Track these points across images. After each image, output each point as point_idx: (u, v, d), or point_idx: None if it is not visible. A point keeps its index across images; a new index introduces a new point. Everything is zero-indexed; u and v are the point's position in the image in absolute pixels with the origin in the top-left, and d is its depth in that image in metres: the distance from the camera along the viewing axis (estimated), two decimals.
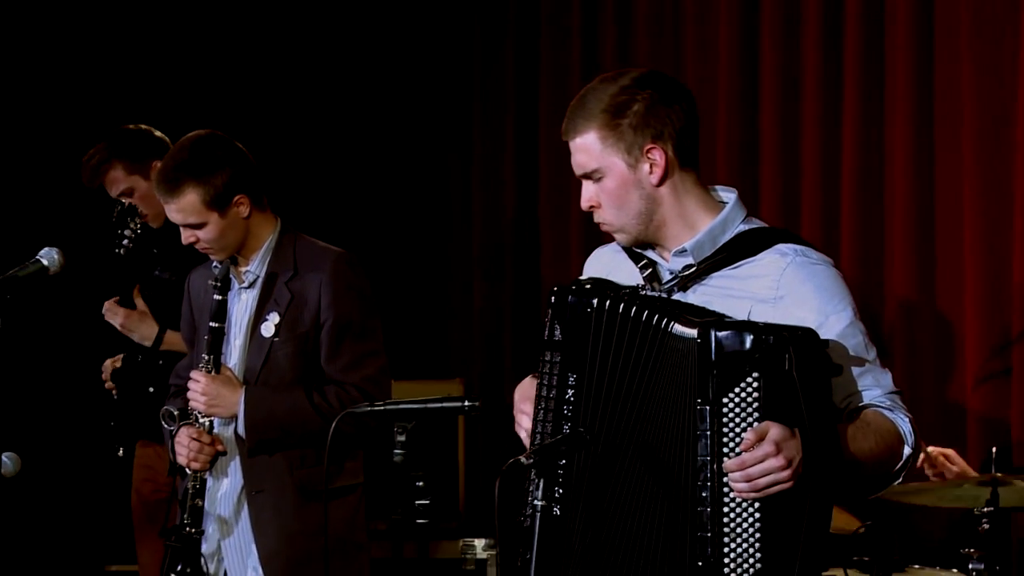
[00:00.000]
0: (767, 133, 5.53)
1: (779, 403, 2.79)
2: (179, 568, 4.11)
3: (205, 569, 4.16)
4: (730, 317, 2.91)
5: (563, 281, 3.13)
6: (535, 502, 2.89)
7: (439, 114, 7.03)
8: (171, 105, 6.55)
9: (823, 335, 2.91)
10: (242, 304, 4.24)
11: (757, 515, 2.82)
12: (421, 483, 4.80)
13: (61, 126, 6.46)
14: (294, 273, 4.18)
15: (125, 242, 4.97)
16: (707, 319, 2.87)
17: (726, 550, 2.83)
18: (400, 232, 6.96)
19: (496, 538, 5.11)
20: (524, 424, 3.09)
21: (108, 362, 5.09)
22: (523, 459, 2.86)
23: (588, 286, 3.04)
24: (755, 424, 2.79)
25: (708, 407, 2.81)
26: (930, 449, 4.51)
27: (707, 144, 5.74)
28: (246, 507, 4.18)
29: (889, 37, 5.17)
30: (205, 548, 4.17)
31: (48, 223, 6.26)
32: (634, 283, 3.09)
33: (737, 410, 2.81)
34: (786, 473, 2.77)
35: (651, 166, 3.01)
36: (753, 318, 2.92)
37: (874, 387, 3.00)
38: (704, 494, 2.83)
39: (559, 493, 2.97)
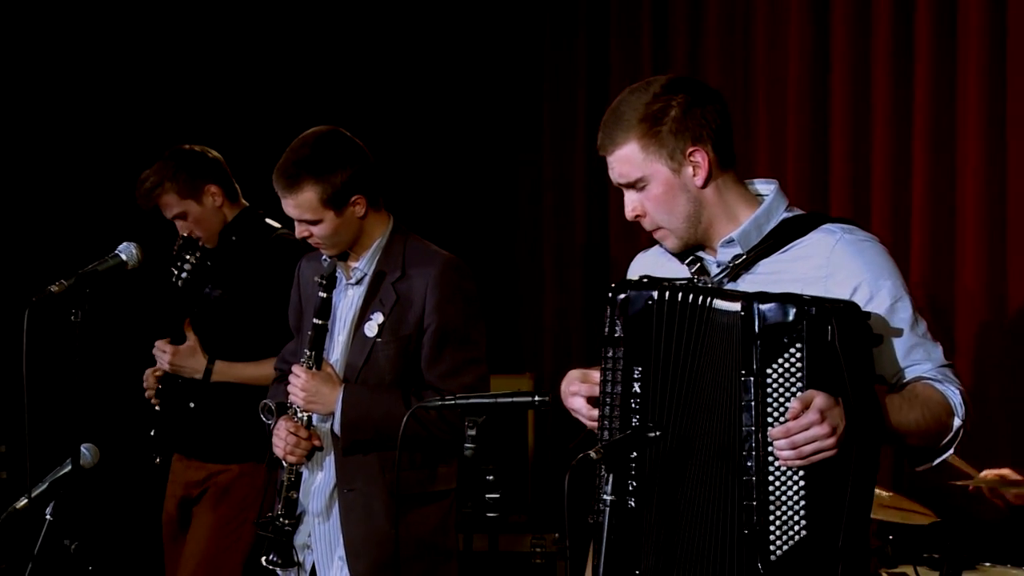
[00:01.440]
0: (837, 131, 5.51)
1: (822, 373, 2.83)
2: (271, 557, 4.16)
3: (296, 559, 4.20)
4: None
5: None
6: (604, 496, 2.92)
7: (510, 112, 7.05)
8: (250, 108, 6.63)
9: (873, 309, 2.95)
10: (348, 300, 4.23)
11: (801, 483, 2.85)
12: (491, 477, 4.84)
13: (138, 137, 6.53)
14: (402, 274, 4.15)
15: (184, 274, 4.95)
16: (750, 293, 2.91)
17: (771, 518, 2.87)
18: (471, 227, 6.98)
19: (565, 532, 5.14)
20: (576, 405, 3.14)
21: (149, 371, 5.09)
22: (592, 454, 2.88)
23: (646, 280, 3.07)
24: (799, 394, 2.83)
25: (752, 378, 2.86)
26: (984, 474, 4.42)
27: (777, 143, 5.75)
28: (337, 502, 4.18)
29: (961, 34, 5.14)
30: (296, 539, 4.20)
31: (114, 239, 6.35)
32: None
33: (781, 380, 2.85)
34: (831, 441, 2.81)
35: (694, 168, 3.04)
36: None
37: (924, 361, 3.02)
38: (749, 463, 2.87)
39: (632, 486, 3.01)
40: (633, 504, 3.01)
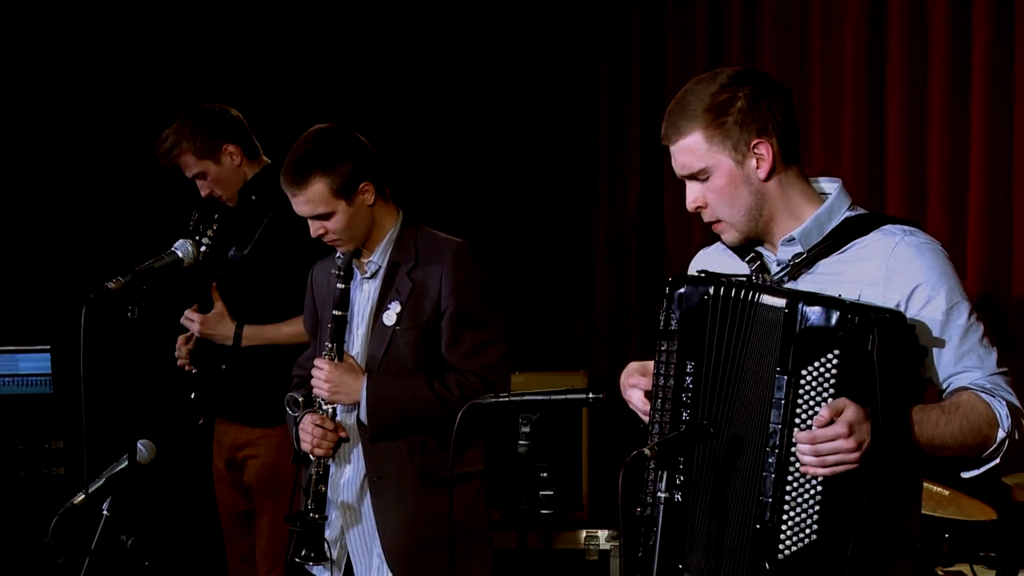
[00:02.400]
0: (893, 129, 5.48)
1: (856, 383, 2.82)
2: (303, 553, 4.18)
3: (328, 554, 4.22)
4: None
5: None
6: (659, 494, 2.92)
7: (565, 107, 7.05)
8: (292, 101, 6.65)
9: (928, 313, 2.94)
10: (364, 294, 4.28)
11: (819, 488, 2.85)
12: (545, 474, 4.84)
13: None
14: (416, 263, 4.22)
15: (203, 248, 4.97)
16: (798, 292, 2.90)
17: (784, 517, 2.88)
18: (526, 225, 6.99)
19: (619, 529, 5.13)
20: (634, 398, 3.15)
21: (180, 339, 5.13)
22: (646, 451, 2.88)
23: (703, 276, 3.07)
24: (829, 400, 2.82)
25: (786, 376, 2.85)
26: None
27: (832, 140, 5.72)
28: (368, 494, 4.22)
29: (1019, 30, 5.11)
30: (328, 533, 4.23)
31: (132, 219, 6.40)
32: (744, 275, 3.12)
33: (814, 383, 2.84)
34: (854, 456, 2.80)
35: (758, 161, 3.03)
36: (863, 300, 2.93)
37: (975, 368, 2.99)
38: (770, 460, 2.88)
39: (679, 481, 3.02)
40: (680, 499, 3.02)
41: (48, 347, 5.97)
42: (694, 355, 3.01)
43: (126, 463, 3.87)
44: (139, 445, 3.94)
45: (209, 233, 5.07)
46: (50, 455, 5.89)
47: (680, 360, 3.03)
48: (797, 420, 2.85)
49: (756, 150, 3.02)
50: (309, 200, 4.14)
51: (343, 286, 4.18)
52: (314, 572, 4.32)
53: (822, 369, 2.83)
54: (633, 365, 3.20)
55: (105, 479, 3.92)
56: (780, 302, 2.89)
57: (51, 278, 6.51)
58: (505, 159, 7.05)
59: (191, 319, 5.04)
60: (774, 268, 3.09)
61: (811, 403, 2.84)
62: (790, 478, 2.87)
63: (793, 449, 2.85)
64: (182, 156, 5.06)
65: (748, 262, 3.12)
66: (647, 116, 6.74)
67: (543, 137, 7.08)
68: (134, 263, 3.84)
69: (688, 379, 3.02)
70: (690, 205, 3.12)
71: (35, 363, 5.97)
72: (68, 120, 6.66)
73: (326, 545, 4.22)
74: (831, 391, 2.83)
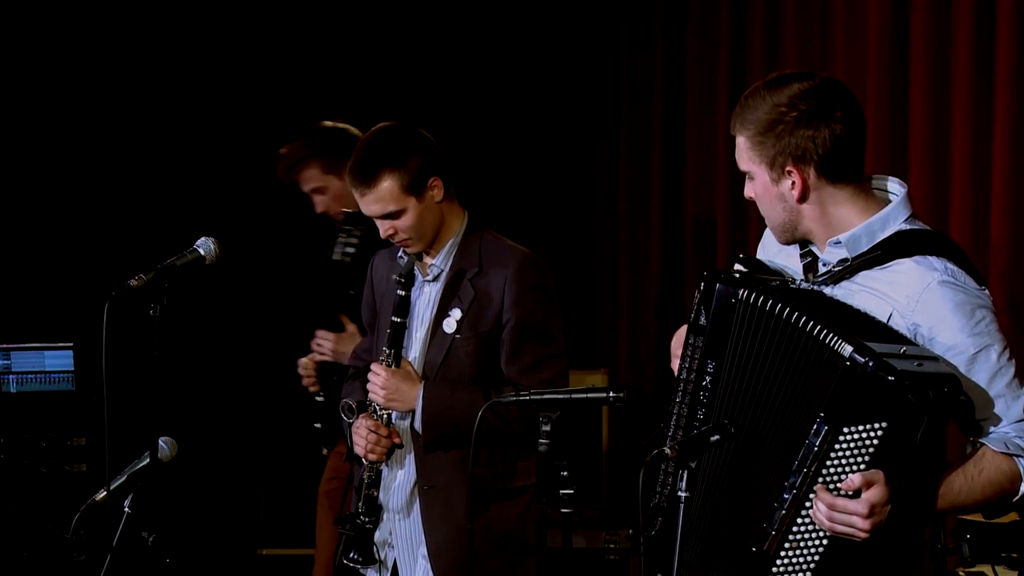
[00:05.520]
0: (916, 131, 5.47)
1: (893, 458, 2.80)
2: (352, 555, 4.17)
3: (377, 556, 4.21)
4: (886, 338, 2.87)
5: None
6: (680, 493, 2.92)
7: (587, 107, 7.06)
8: (314, 100, 6.67)
9: (951, 358, 2.90)
10: (425, 297, 4.21)
11: (824, 541, 2.88)
12: (565, 473, 4.83)
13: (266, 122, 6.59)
14: (479, 270, 4.14)
15: (349, 248, 4.93)
16: (865, 342, 2.83)
17: (782, 552, 2.90)
18: (547, 224, 7.00)
19: (639, 528, 5.13)
20: (676, 368, 3.13)
21: (306, 360, 5.07)
22: (667, 451, 2.89)
23: (737, 276, 3.05)
24: (862, 464, 2.81)
25: (827, 425, 2.83)
26: None
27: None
28: (418, 500, 4.17)
29: None
30: (377, 536, 4.20)
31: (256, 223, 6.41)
32: (794, 267, 3.12)
33: (852, 445, 2.82)
34: (864, 534, 2.82)
35: (792, 184, 3.02)
36: (892, 324, 2.93)
37: (1002, 414, 2.96)
38: (786, 496, 2.87)
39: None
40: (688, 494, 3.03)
41: (71, 344, 5.99)
42: (716, 355, 3.01)
43: (148, 460, 3.88)
44: (161, 442, 3.95)
45: (355, 234, 4.96)
46: (72, 452, 5.91)
47: (704, 357, 3.02)
48: (824, 470, 2.84)
49: (789, 175, 3.01)
50: (379, 198, 4.05)
51: (403, 293, 4.08)
52: (362, 573, 4.31)
53: (865, 436, 2.81)
54: (684, 331, 3.16)
55: (127, 476, 3.93)
56: (846, 349, 2.83)
57: (74, 276, 6.54)
58: (528, 159, 7.06)
59: (325, 339, 4.98)
60: (821, 269, 3.08)
61: (843, 462, 2.83)
62: (799, 520, 2.87)
63: (812, 495, 2.85)
64: (307, 169, 5.06)
65: (802, 256, 3.12)
66: (669, 116, 6.74)
67: (565, 137, 7.09)
68: (156, 261, 3.85)
69: (707, 378, 3.02)
70: (745, 195, 3.13)
71: (58, 360, 6.00)
72: (93, 119, 6.69)
73: (375, 548, 4.20)
74: (866, 459, 2.81)
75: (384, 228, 4.11)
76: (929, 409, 2.77)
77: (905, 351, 2.83)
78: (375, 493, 4.15)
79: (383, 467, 4.19)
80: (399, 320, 4.09)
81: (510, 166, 7.05)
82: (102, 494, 3.91)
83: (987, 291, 3.00)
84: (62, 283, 6.56)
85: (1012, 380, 2.96)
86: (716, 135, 6.40)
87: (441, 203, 4.13)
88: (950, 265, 2.98)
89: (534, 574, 4.26)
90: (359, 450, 4.13)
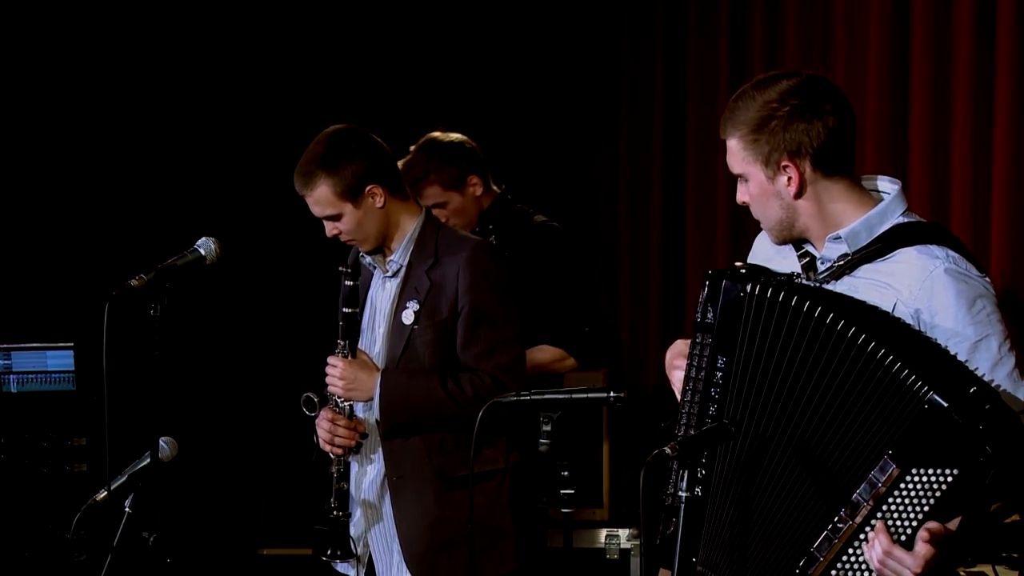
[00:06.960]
0: (916, 131, 5.46)
1: (957, 503, 2.78)
2: (329, 552, 4.19)
3: (354, 550, 4.22)
4: (947, 365, 2.83)
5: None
6: (680, 493, 2.92)
7: (587, 105, 7.05)
8: (315, 99, 6.66)
9: (952, 346, 2.89)
10: (386, 293, 4.28)
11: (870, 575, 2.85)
12: (566, 473, 4.82)
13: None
14: (434, 261, 4.21)
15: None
16: (941, 380, 2.79)
17: None
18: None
19: (640, 528, 5.12)
20: (675, 379, 3.14)
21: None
22: (668, 450, 2.88)
23: (743, 271, 3.06)
24: (926, 507, 2.78)
25: (894, 464, 2.80)
26: None
27: (856, 143, 5.70)
28: (388, 493, 4.22)
29: None
30: (353, 531, 4.24)
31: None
32: (791, 270, 3.11)
33: (918, 487, 2.79)
34: None
35: (788, 179, 3.03)
36: (897, 314, 2.92)
37: None
38: (840, 525, 2.86)
39: (701, 474, 3.03)
40: (699, 492, 3.03)
41: (71, 344, 5.99)
42: (727, 352, 3.01)
43: (148, 460, 3.88)
44: (161, 442, 3.95)
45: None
46: (73, 452, 5.91)
47: (713, 355, 3.02)
48: (883, 506, 2.81)
49: (785, 170, 3.02)
50: (316, 202, 4.16)
51: (350, 283, 4.19)
52: (339, 569, 4.33)
53: (934, 480, 2.78)
54: (679, 344, 3.19)
55: (127, 476, 3.93)
56: (923, 388, 2.76)
57: (74, 276, 6.54)
58: (528, 156, 7.05)
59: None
60: (820, 266, 3.08)
61: (906, 503, 2.80)
62: (850, 550, 2.86)
63: (868, 531, 2.83)
64: (428, 187, 4.99)
65: (800, 256, 3.12)
66: (669, 115, 6.73)
67: (565, 136, 7.08)
68: (157, 260, 3.85)
69: (718, 374, 3.01)
70: (738, 200, 3.13)
71: (58, 360, 5.99)
72: (93, 119, 6.68)
73: (351, 542, 4.22)
74: (931, 503, 2.78)
75: (328, 229, 4.20)
76: (998, 460, 2.74)
77: (974, 391, 2.78)
78: (345, 486, 4.21)
79: (352, 461, 4.23)
80: (350, 311, 4.18)
81: (510, 166, 7.04)
82: (103, 494, 3.91)
83: (988, 279, 3.01)
84: (63, 283, 6.56)
85: (1013, 370, 2.97)
86: (716, 135, 6.38)
87: (384, 207, 4.18)
88: (952, 253, 2.99)
89: (512, 558, 4.28)
90: (322, 444, 4.17)
